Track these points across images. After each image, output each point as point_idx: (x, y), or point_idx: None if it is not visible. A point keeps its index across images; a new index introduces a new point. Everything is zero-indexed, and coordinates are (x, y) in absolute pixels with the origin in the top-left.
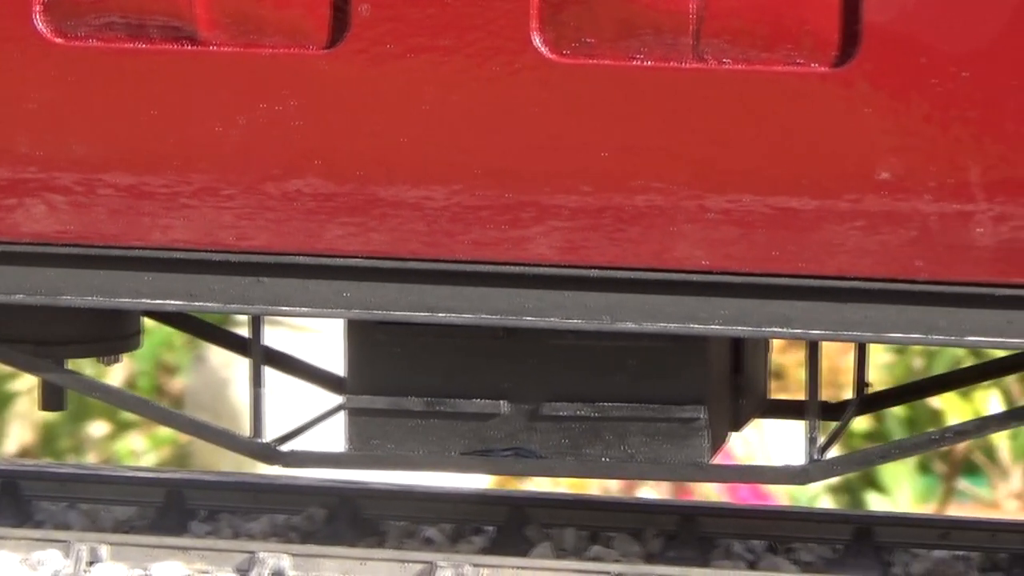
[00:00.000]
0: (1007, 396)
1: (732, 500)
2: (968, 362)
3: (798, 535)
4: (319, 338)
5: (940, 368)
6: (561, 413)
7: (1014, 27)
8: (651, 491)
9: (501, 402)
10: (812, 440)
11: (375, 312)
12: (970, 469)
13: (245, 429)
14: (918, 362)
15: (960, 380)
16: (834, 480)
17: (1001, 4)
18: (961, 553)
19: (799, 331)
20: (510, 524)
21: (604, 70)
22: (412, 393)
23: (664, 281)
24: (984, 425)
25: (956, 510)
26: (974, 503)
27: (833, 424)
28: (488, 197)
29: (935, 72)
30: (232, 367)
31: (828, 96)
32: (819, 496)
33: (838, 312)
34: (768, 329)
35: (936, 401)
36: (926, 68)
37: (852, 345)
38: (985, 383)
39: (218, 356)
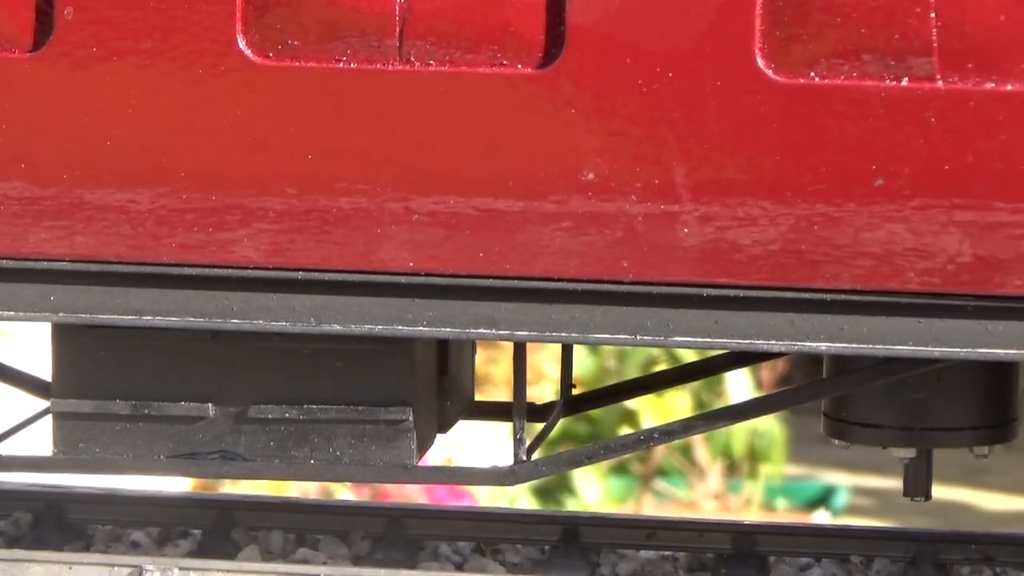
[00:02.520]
0: (696, 397)
1: (430, 501)
2: (662, 362)
3: (505, 536)
4: (14, 343)
5: (632, 368)
6: (268, 416)
7: (718, 27)
8: (350, 493)
9: (207, 405)
10: (519, 441)
11: (81, 315)
12: (667, 470)
13: None
14: (612, 362)
15: (666, 381)
16: (534, 482)
17: (705, 5)
18: (668, 553)
19: (505, 332)
20: (217, 527)
21: (308, 72)
22: (118, 396)
23: (370, 283)
24: (691, 425)
25: (653, 510)
26: (672, 503)
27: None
28: (193, 200)
29: (640, 73)
30: None
31: (533, 97)
32: (518, 498)
33: (544, 313)
34: (474, 331)
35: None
36: (631, 69)
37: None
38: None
39: None
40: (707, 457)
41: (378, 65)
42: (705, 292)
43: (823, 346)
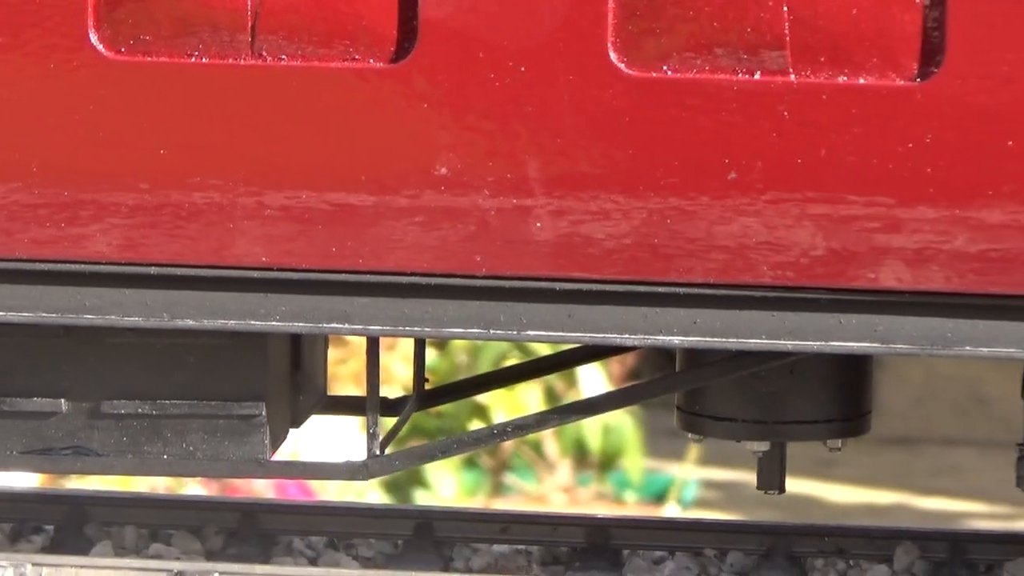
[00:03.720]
0: (549, 391)
1: (279, 496)
2: (513, 357)
3: (358, 531)
4: None
5: (485, 364)
6: (121, 411)
7: (571, 22)
8: (201, 488)
9: (61, 400)
10: (372, 435)
11: None
12: (515, 463)
13: None
14: (463, 359)
15: (518, 376)
16: (385, 476)
17: (556, 1)
18: (522, 547)
19: (359, 327)
20: (69, 523)
21: (161, 67)
22: None
23: (223, 278)
24: (544, 419)
25: (503, 504)
26: (522, 497)
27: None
28: (46, 195)
29: (493, 67)
30: None
31: (385, 92)
32: (367, 492)
33: (397, 307)
34: (328, 325)
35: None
36: (484, 63)
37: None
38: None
39: None
40: (557, 451)
41: (230, 60)
42: (558, 286)
43: (676, 340)
